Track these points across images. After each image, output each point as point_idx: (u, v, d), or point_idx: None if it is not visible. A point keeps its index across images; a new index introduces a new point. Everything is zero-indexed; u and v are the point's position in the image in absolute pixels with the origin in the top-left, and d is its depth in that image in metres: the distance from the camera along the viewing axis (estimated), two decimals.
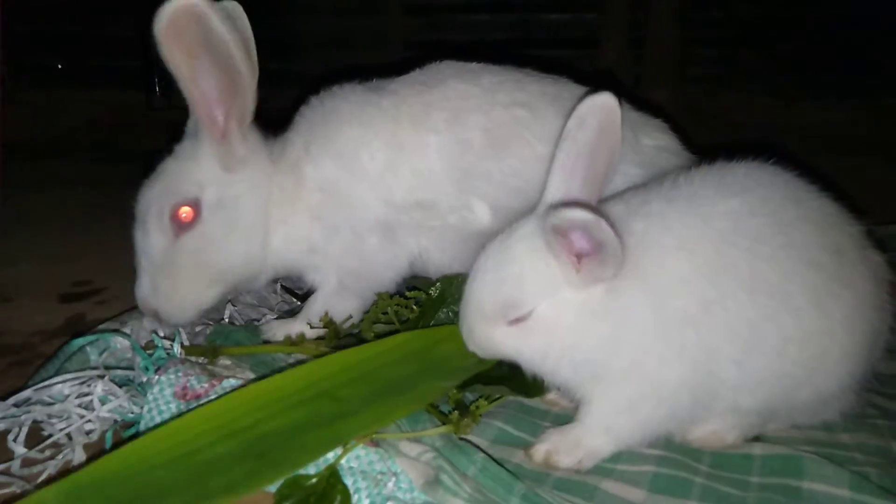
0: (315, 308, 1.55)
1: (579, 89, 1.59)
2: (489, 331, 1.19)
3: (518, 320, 1.15)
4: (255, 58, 1.38)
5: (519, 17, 4.70)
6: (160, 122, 4.29)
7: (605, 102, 1.17)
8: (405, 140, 1.51)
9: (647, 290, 1.13)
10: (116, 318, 1.56)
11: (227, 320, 1.64)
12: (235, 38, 1.29)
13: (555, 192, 1.19)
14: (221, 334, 1.51)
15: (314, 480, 1.06)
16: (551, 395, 1.39)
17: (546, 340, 1.15)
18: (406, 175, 1.51)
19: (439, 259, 1.58)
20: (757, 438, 1.25)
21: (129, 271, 2.19)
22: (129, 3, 4.25)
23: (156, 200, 1.42)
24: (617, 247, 1.05)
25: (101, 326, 1.51)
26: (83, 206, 2.78)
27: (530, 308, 1.14)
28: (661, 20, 4.43)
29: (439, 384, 1.25)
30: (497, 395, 1.35)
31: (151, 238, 1.42)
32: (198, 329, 1.57)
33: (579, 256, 1.10)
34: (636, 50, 4.45)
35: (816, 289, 1.16)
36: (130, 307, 1.63)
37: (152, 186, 1.44)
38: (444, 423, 1.21)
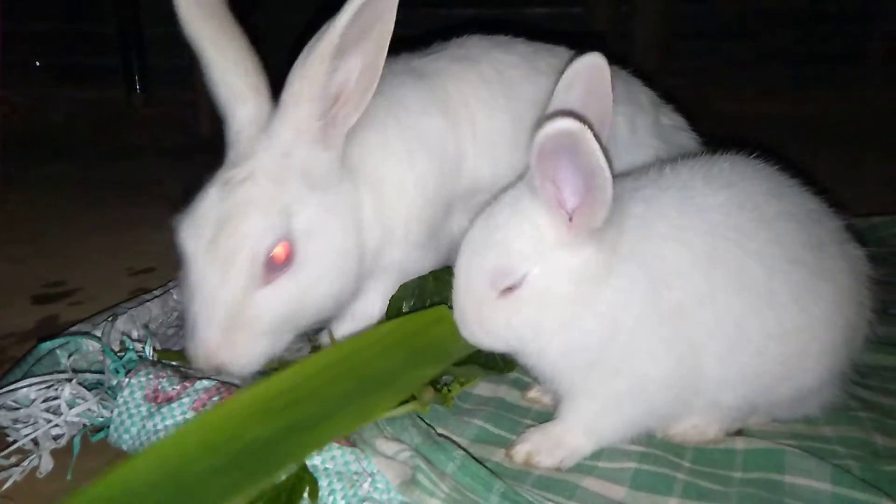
0: (378, 308, 1.42)
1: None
2: (481, 309, 1.13)
3: (509, 291, 1.10)
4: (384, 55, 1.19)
5: (502, 12, 4.67)
6: (140, 119, 4.25)
7: (593, 63, 1.14)
8: (477, 122, 1.44)
9: (648, 276, 1.10)
10: (89, 321, 1.53)
11: None
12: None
13: None
14: None
15: (282, 479, 1.04)
16: (532, 393, 1.37)
17: (539, 310, 1.10)
18: (483, 156, 1.44)
19: None
20: (739, 432, 1.24)
21: (103, 271, 2.18)
22: None
23: (246, 243, 1.15)
24: (606, 174, 0.98)
25: (73, 329, 1.48)
26: (59, 205, 2.73)
27: (521, 274, 1.08)
28: (646, 14, 4.43)
29: (425, 371, 1.19)
30: (469, 378, 1.34)
31: (233, 287, 1.15)
32: (170, 332, 1.53)
33: (570, 213, 1.05)
34: (623, 44, 4.44)
35: (798, 286, 1.15)
36: (104, 308, 1.61)
37: (237, 224, 1.15)
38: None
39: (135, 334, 1.50)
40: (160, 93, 4.26)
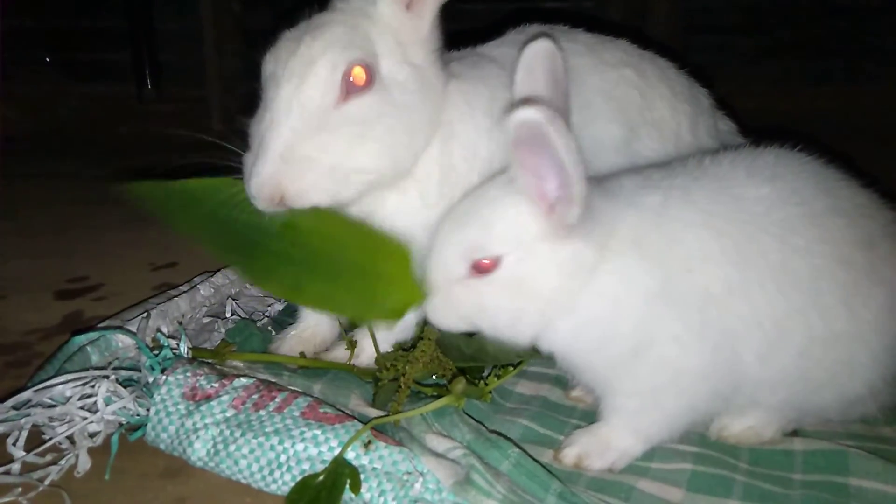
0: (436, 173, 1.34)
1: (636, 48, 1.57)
2: (451, 284, 1.10)
3: (484, 270, 1.07)
4: None
5: (514, 6, 4.62)
6: (151, 115, 4.21)
7: (545, 48, 1.11)
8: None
9: (653, 262, 1.07)
10: (117, 316, 1.49)
11: (228, 314, 1.57)
12: None
13: None
14: (240, 334, 1.45)
15: (321, 478, 1.03)
16: (575, 392, 1.33)
17: (514, 299, 1.07)
18: None
19: None
20: (795, 433, 1.20)
21: (125, 266, 2.14)
22: None
23: (330, 48, 1.13)
24: (572, 168, 0.97)
25: (102, 325, 1.44)
26: (74, 201, 2.69)
27: (497, 252, 1.06)
28: (659, 8, 4.39)
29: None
30: (507, 369, 1.31)
31: (309, 94, 1.11)
32: (198, 329, 1.50)
33: (550, 201, 1.03)
34: (636, 39, 4.40)
35: (847, 288, 1.09)
36: (130, 305, 1.57)
37: (323, 32, 1.15)
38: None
39: (165, 330, 1.46)
40: (171, 89, 4.23)
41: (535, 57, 1.11)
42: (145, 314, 1.41)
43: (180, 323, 1.45)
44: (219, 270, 1.78)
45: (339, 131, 1.13)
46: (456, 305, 1.11)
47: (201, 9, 4.05)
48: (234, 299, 1.66)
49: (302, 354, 1.39)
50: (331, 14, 1.22)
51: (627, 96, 1.47)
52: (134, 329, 1.36)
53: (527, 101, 1.00)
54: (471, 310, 1.11)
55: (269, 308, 1.68)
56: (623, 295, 1.07)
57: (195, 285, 1.67)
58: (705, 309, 1.07)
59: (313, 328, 1.46)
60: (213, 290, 1.70)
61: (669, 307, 1.07)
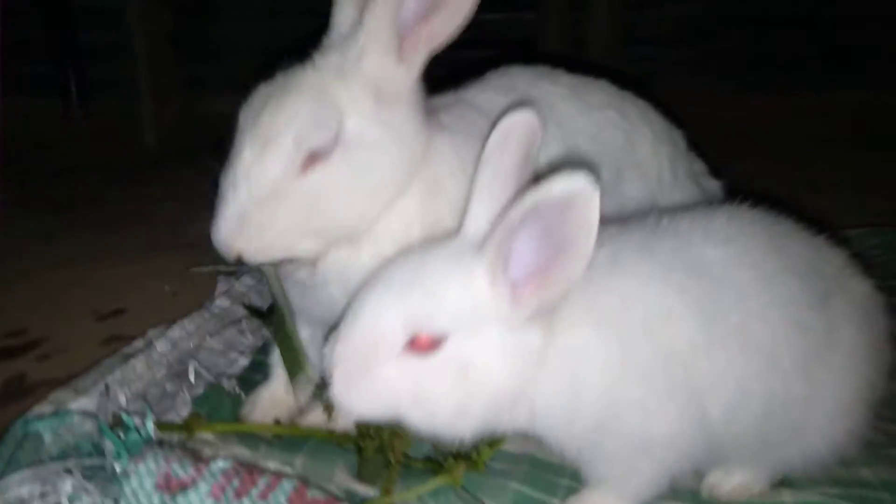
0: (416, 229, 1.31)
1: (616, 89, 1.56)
2: (378, 358, 0.95)
3: (423, 348, 0.94)
4: None
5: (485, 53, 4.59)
6: (79, 133, 3.98)
7: (527, 120, 1.05)
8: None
9: (605, 329, 1.02)
10: (69, 385, 1.37)
11: (192, 378, 1.47)
12: None
13: (479, 213, 1.04)
14: (207, 402, 1.36)
15: None
16: None
17: (468, 384, 0.96)
18: None
19: None
20: (782, 482, 1.22)
21: (66, 315, 1.99)
22: (39, 2, 3.90)
23: (293, 124, 1.12)
24: (590, 243, 0.90)
25: (54, 395, 1.32)
26: None
27: (443, 329, 0.94)
28: (598, 19, 4.45)
29: None
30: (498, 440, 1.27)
31: (268, 164, 1.12)
32: (158, 393, 1.40)
33: (516, 283, 0.95)
34: (575, 49, 4.44)
35: (805, 353, 1.08)
36: (77, 365, 1.45)
37: (288, 104, 1.13)
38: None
39: (123, 400, 1.36)
40: (100, 104, 4.00)
41: (512, 128, 1.05)
42: (104, 387, 1.30)
43: (144, 399, 1.34)
44: (174, 321, 1.68)
45: (294, 201, 1.14)
46: (383, 387, 0.96)
47: (129, 19, 3.85)
48: (193, 356, 1.56)
49: (276, 421, 1.32)
50: (303, 75, 1.17)
51: (613, 138, 1.46)
52: (93, 406, 1.26)
53: (572, 165, 0.92)
54: (401, 396, 0.96)
55: (232, 365, 1.59)
56: (580, 372, 1.01)
57: (150, 342, 1.57)
58: (669, 369, 1.03)
59: (285, 388, 1.39)
60: (170, 346, 1.59)
61: (631, 376, 1.02)
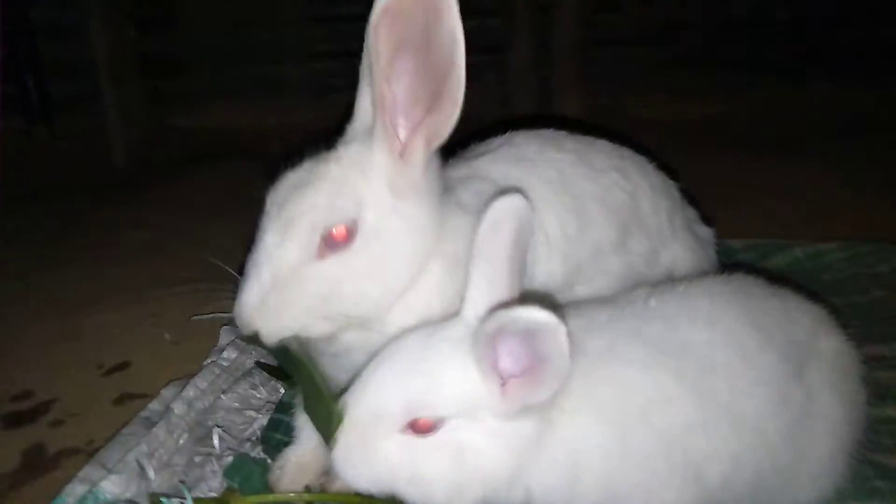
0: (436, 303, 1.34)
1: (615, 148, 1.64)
2: (378, 436, 1.00)
3: (421, 430, 0.99)
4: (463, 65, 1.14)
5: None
6: (45, 153, 3.87)
7: (516, 205, 1.10)
8: (547, 224, 1.43)
9: (605, 418, 1.06)
10: (95, 459, 1.38)
11: (216, 446, 1.51)
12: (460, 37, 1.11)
13: (477, 299, 1.07)
14: (238, 472, 1.39)
15: None
16: None
17: (463, 467, 1.00)
18: (555, 257, 1.43)
19: None
20: None
21: (70, 371, 1.91)
22: None
23: (311, 211, 1.18)
24: (565, 366, 0.92)
25: (83, 472, 1.34)
26: None
27: (442, 414, 0.99)
28: (565, 23, 4.51)
29: None
30: None
31: (288, 251, 1.19)
32: (197, 460, 1.43)
33: (505, 378, 0.98)
34: (542, 53, 4.51)
35: (789, 425, 1.16)
36: (101, 438, 1.44)
37: (309, 193, 1.20)
38: None
39: (150, 473, 1.39)
40: (65, 123, 3.91)
41: (504, 213, 1.09)
42: (136, 464, 1.33)
43: (171, 467, 1.37)
44: (181, 375, 1.70)
45: (311, 286, 1.20)
46: (381, 462, 1.00)
47: (93, 36, 3.75)
48: (210, 417, 1.59)
49: (307, 488, 1.36)
50: (326, 165, 1.23)
51: (618, 200, 1.53)
52: (124, 483, 1.29)
53: (533, 298, 0.96)
54: (398, 472, 1.00)
55: (251, 424, 1.62)
56: (581, 461, 1.04)
57: (168, 406, 1.59)
58: (669, 452, 1.07)
59: (312, 451, 1.43)
60: (186, 407, 1.62)
61: (631, 462, 1.06)
